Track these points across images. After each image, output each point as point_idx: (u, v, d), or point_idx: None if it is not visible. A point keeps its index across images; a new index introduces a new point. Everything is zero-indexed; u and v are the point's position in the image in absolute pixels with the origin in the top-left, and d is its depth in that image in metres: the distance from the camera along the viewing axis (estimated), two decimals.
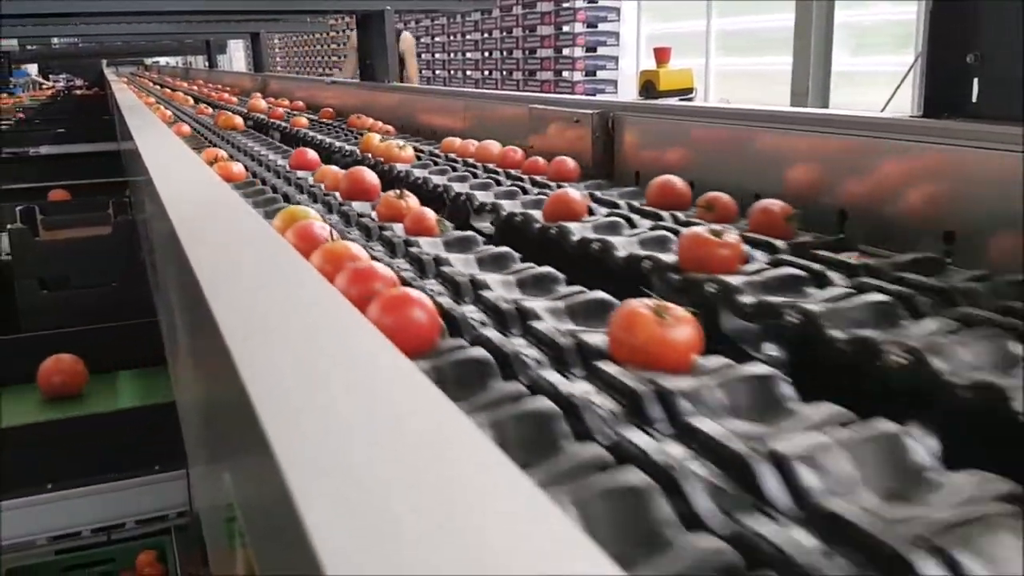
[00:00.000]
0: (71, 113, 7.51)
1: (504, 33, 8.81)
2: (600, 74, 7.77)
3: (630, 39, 7.89)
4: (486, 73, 9.28)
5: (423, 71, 10.67)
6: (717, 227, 0.91)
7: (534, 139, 1.79)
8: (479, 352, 0.65)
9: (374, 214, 1.23)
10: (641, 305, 0.66)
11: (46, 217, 2.99)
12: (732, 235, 0.90)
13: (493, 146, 1.81)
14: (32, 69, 13.70)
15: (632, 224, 1.11)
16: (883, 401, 0.59)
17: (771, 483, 0.49)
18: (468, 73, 9.76)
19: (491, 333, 0.71)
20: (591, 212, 1.20)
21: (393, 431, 0.36)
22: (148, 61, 12.75)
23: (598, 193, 1.35)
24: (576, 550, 0.27)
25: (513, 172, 1.59)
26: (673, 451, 0.52)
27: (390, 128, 2.52)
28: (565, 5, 7.60)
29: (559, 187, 1.38)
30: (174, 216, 0.81)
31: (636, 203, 1.26)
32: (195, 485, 0.93)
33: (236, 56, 14.64)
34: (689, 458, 0.51)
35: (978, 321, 0.70)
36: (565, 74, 7.87)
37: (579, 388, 0.60)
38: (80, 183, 3.86)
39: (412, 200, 1.21)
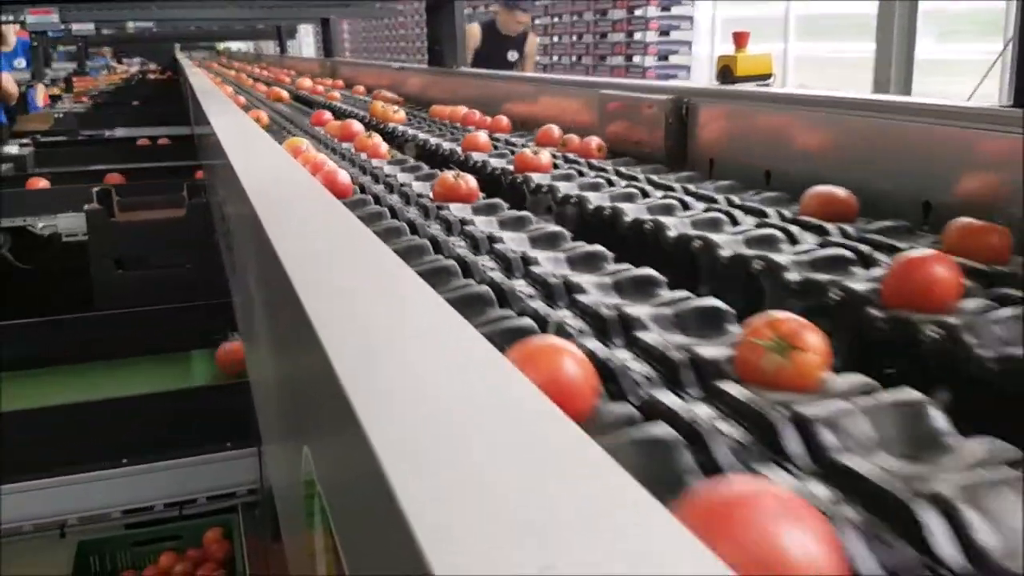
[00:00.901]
0: (145, 97, 7.70)
1: (574, 17, 8.74)
2: (673, 59, 7.67)
3: (704, 23, 7.77)
4: (554, 59, 9.24)
5: None
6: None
7: (604, 125, 1.77)
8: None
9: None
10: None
11: (122, 199, 3.07)
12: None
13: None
14: (107, 53, 14.10)
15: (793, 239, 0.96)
16: None
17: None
18: (536, 59, 9.72)
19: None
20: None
21: (487, 406, 0.36)
22: (220, 46, 13.00)
23: (692, 187, 1.27)
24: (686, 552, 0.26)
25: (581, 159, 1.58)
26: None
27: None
28: None
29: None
30: (254, 198, 0.82)
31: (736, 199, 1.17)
32: (269, 462, 0.94)
33: (306, 42, 14.84)
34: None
35: None
36: (636, 59, 7.79)
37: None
38: (155, 165, 3.96)
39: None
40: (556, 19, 9.13)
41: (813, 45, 7.37)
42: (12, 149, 4.54)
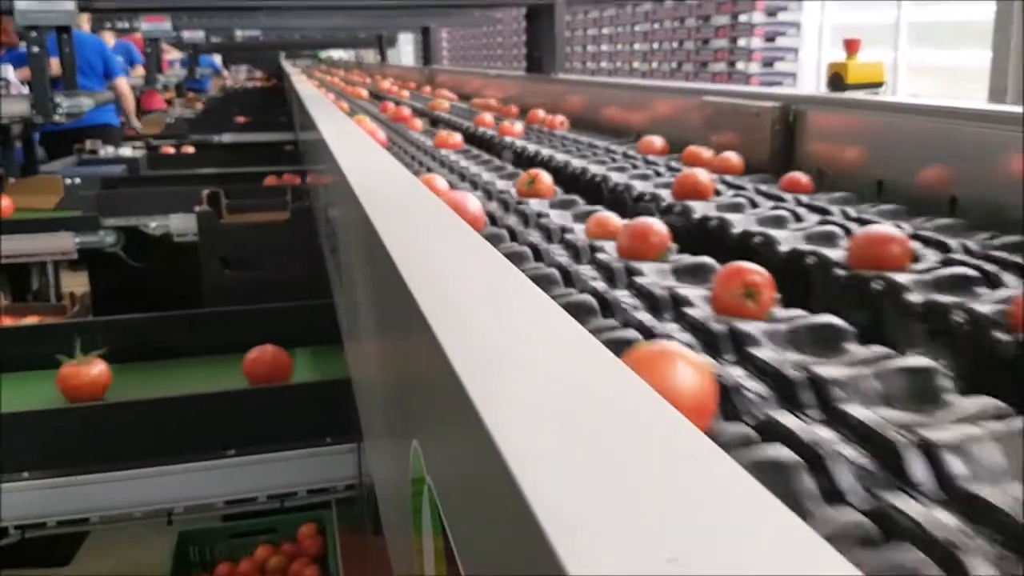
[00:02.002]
0: (251, 103, 7.99)
1: (676, 23, 8.66)
2: (778, 65, 7.52)
3: (811, 29, 7.58)
4: (654, 65, 9.17)
5: (587, 63, 10.67)
6: None
7: (708, 133, 1.75)
8: None
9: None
10: None
11: (230, 201, 3.19)
12: None
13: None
14: (216, 60, 14.68)
15: None
16: None
17: None
18: (635, 65, 9.67)
19: None
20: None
21: (605, 403, 0.36)
22: (322, 54, 13.39)
23: (805, 198, 1.21)
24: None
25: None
26: None
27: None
28: None
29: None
30: (365, 201, 0.84)
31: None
32: (371, 458, 0.96)
33: (405, 50, 15.14)
34: None
35: None
36: (740, 65, 7.66)
37: None
38: (260, 170, 4.10)
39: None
40: (657, 25, 9.06)
41: (926, 52, 7.11)
42: (126, 152, 4.77)
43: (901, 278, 0.79)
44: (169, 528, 1.82)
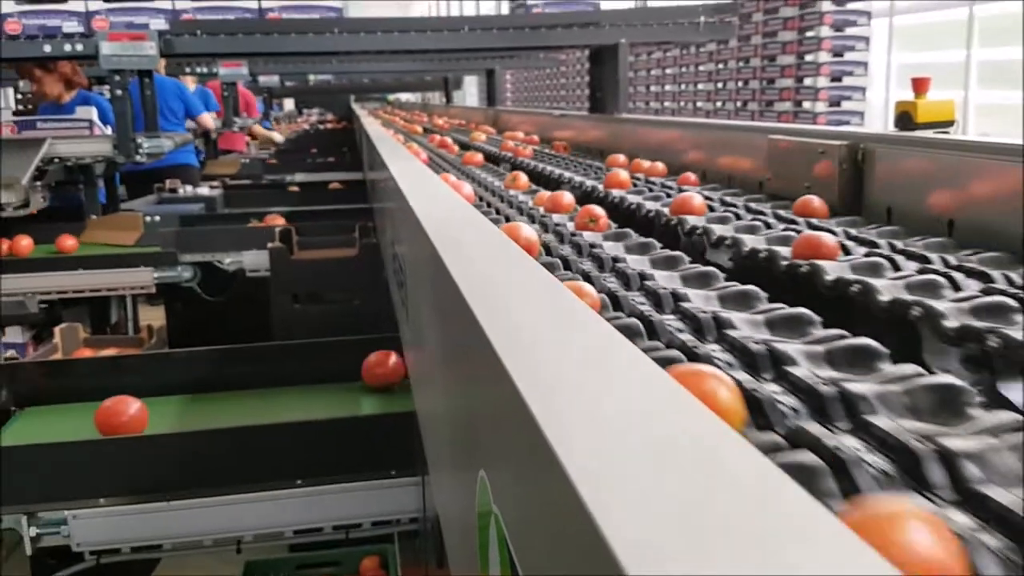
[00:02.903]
0: (322, 144, 8.21)
1: (740, 63, 8.64)
2: (845, 105, 7.45)
3: (879, 68, 7.50)
4: (718, 104, 9.14)
5: (650, 103, 10.69)
6: None
7: (773, 171, 1.74)
8: None
9: None
10: None
11: (301, 238, 3.28)
12: None
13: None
14: (289, 103, 15.13)
15: None
16: None
17: None
18: (699, 105, 9.65)
19: None
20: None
21: (672, 432, 0.36)
22: (390, 97, 13.69)
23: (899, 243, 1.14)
24: None
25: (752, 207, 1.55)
26: None
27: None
28: (809, 34, 7.35)
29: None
30: (432, 235, 0.86)
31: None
32: (436, 491, 0.97)
33: (470, 91, 15.39)
34: None
35: None
36: (806, 104, 7.60)
37: None
38: (330, 208, 4.21)
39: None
40: (721, 66, 9.06)
41: (995, 93, 6.95)
42: (203, 190, 4.94)
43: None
44: (237, 557, 1.86)
